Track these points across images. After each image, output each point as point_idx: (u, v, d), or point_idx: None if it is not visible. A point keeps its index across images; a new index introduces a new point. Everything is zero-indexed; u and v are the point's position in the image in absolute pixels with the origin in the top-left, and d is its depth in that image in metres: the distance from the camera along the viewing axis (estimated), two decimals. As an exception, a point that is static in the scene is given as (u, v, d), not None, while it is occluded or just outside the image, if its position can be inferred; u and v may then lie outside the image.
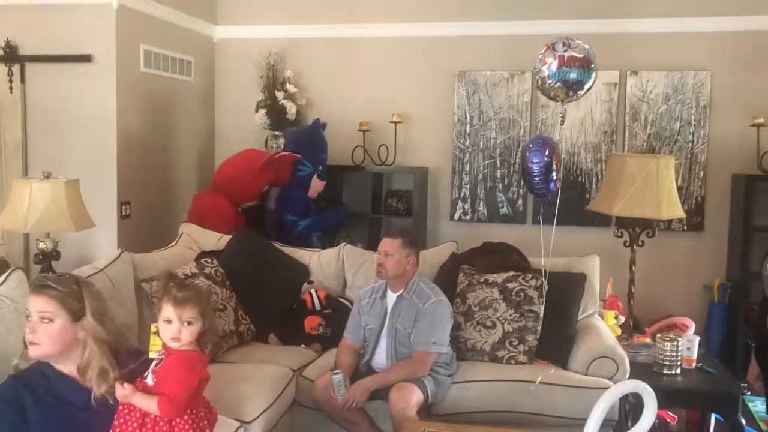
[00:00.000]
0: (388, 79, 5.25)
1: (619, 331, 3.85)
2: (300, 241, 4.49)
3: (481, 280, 3.49)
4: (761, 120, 4.56)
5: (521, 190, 5.03)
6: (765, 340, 2.38)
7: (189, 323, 2.10)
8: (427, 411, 3.04)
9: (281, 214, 4.74)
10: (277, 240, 4.23)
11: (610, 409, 2.90)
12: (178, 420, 2.08)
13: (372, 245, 4.17)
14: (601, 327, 3.50)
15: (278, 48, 5.29)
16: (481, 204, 5.18)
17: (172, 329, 2.10)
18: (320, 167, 4.77)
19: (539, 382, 3.08)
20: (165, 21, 4.71)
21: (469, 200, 5.20)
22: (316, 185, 4.78)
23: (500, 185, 5.13)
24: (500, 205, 5.15)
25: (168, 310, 2.11)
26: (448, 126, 5.20)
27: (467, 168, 5.17)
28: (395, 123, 5.06)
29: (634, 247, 3.71)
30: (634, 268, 3.75)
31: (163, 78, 4.75)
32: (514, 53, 4.99)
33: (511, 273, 3.48)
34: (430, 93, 5.21)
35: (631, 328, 3.82)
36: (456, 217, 5.23)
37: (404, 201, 5.24)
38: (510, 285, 3.42)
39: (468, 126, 5.15)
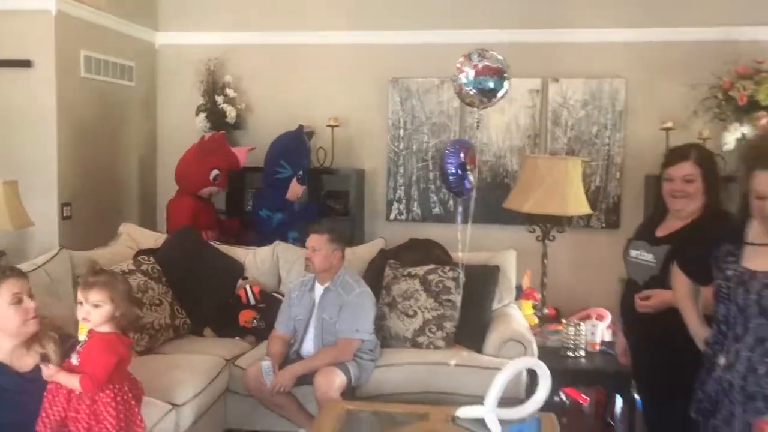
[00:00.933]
0: (326, 85, 5.47)
1: (536, 320, 4.15)
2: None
3: (405, 273, 3.75)
4: (670, 124, 4.92)
5: (452, 191, 5.29)
6: (631, 315, 2.67)
7: (96, 306, 2.33)
8: (351, 394, 3.27)
9: (257, 211, 4.94)
10: (255, 239, 4.41)
11: (515, 387, 3.22)
12: (100, 395, 2.28)
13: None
14: (515, 315, 3.78)
15: (218, 53, 5.46)
16: (415, 204, 5.44)
17: (82, 310, 2.36)
18: (300, 172, 4.94)
19: (455, 365, 3.34)
20: (105, 27, 4.85)
21: (403, 201, 5.45)
22: (295, 189, 4.93)
23: (433, 187, 5.39)
24: (433, 205, 5.41)
25: (79, 293, 2.37)
26: (383, 130, 5.45)
27: (401, 170, 5.42)
28: (332, 127, 5.28)
29: (546, 241, 4.01)
30: (546, 261, 4.05)
31: (105, 83, 4.88)
32: (444, 61, 5.18)
33: (432, 266, 3.74)
34: (365, 98, 5.45)
35: (543, 316, 4.11)
36: (392, 216, 5.47)
37: (342, 201, 5.46)
38: (430, 277, 3.69)
39: (402, 130, 5.40)
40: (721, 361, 1.99)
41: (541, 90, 5.22)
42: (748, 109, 4.71)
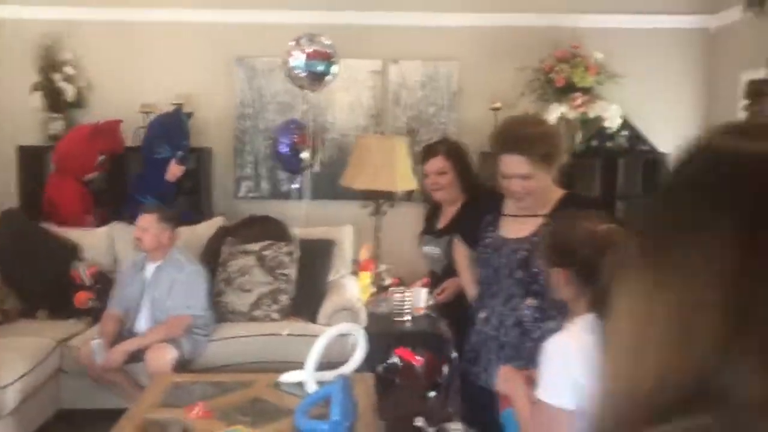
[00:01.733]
0: (171, 63, 5.41)
1: (374, 290, 4.41)
2: None
3: (241, 249, 3.88)
4: (498, 105, 5.31)
5: (299, 169, 5.44)
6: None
7: None
8: (183, 367, 3.38)
9: (135, 194, 4.79)
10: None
11: (341, 351, 3.45)
12: None
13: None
14: (349, 286, 4.02)
15: (57, 29, 5.25)
16: (264, 182, 5.54)
17: None
18: (179, 152, 4.87)
19: (287, 334, 3.53)
20: None
21: (252, 179, 5.54)
22: (174, 169, 4.85)
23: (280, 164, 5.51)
24: (281, 183, 5.54)
25: None
26: (229, 108, 5.47)
27: (249, 148, 5.50)
28: (178, 105, 5.26)
29: (378, 215, 4.27)
30: (379, 234, 4.31)
31: (-77, 58, 4.61)
32: (289, 41, 5.36)
33: (268, 242, 3.90)
34: (211, 77, 5.45)
35: (382, 286, 4.38)
36: (240, 194, 5.54)
37: (191, 180, 5.46)
38: (266, 252, 3.84)
39: (249, 108, 5.47)
40: (482, 315, 2.30)
41: (381, 71, 5.46)
42: (565, 90, 5.18)
